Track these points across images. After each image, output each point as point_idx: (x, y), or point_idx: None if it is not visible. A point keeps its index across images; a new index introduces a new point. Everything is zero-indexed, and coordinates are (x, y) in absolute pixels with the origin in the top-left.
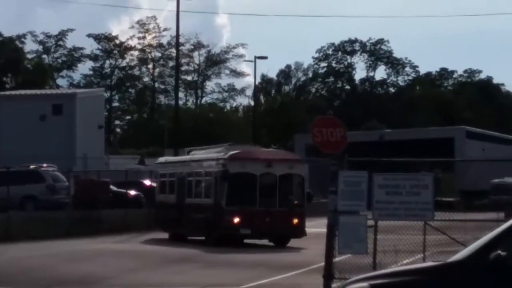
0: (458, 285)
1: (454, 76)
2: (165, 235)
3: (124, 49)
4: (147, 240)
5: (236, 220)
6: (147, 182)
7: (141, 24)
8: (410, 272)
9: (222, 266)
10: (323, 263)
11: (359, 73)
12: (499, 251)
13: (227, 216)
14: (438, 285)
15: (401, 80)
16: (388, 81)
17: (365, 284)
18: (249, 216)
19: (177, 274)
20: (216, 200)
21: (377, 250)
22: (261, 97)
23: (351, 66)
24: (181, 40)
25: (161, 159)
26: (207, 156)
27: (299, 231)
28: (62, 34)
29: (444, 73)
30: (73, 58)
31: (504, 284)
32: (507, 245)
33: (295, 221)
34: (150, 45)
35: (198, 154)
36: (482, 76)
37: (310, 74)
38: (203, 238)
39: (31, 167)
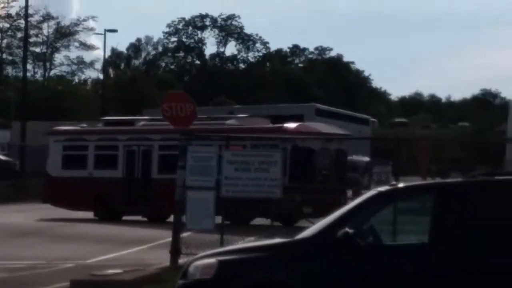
0: (306, 262)
1: (305, 53)
2: (8, 208)
3: None
4: None
5: (299, 198)
6: None
7: None
8: (257, 248)
9: (70, 240)
10: (170, 238)
11: (210, 48)
12: (347, 229)
13: (290, 194)
14: (286, 261)
15: (251, 56)
16: (239, 57)
17: (212, 260)
18: (311, 193)
19: (23, 248)
20: None
21: (224, 226)
22: (111, 71)
23: (201, 41)
24: (30, 11)
25: (65, 128)
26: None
27: None
28: None
29: (296, 50)
30: None
31: (351, 261)
32: (354, 223)
33: (344, 198)
34: None
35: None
36: (333, 53)
37: (160, 49)
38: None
39: None
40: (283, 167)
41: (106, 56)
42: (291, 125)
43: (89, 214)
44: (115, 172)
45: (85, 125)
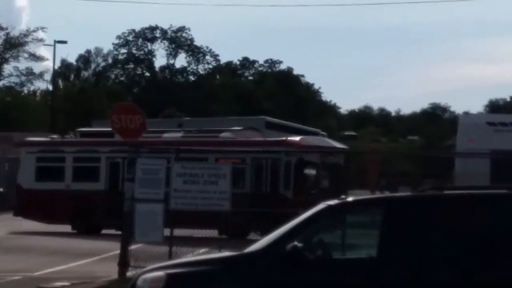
0: (255, 276)
1: (255, 66)
2: None
3: None
4: None
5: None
6: None
7: None
8: (206, 262)
9: (20, 252)
10: (119, 251)
11: (160, 60)
12: (296, 242)
13: (295, 209)
14: (234, 275)
15: (201, 69)
16: (189, 69)
17: (161, 273)
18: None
19: None
20: (265, 189)
21: (173, 239)
22: (60, 82)
23: (151, 53)
24: None
25: (38, 140)
26: (236, 139)
27: None
28: None
29: (246, 63)
30: None
31: (300, 275)
32: (303, 237)
33: None
34: None
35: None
36: (283, 66)
37: (110, 60)
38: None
39: None
40: (286, 180)
41: (56, 67)
42: (295, 138)
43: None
44: (96, 185)
45: (55, 136)
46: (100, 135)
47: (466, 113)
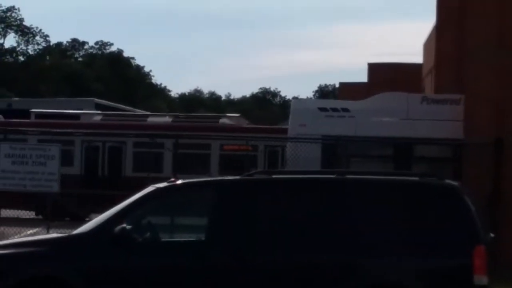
0: (83, 258)
1: (85, 47)
2: None
3: None
4: None
5: None
6: None
7: None
8: (34, 243)
9: None
10: None
11: None
12: (124, 224)
13: None
14: (62, 257)
15: (31, 49)
16: (18, 49)
17: None
18: None
19: None
20: None
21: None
22: None
23: None
24: None
25: None
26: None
27: None
28: None
29: (75, 44)
30: None
31: (128, 257)
32: (132, 219)
33: None
34: None
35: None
36: (113, 48)
37: None
38: None
39: None
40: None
41: None
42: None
43: None
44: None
45: None
46: (62, 117)
47: (297, 98)
